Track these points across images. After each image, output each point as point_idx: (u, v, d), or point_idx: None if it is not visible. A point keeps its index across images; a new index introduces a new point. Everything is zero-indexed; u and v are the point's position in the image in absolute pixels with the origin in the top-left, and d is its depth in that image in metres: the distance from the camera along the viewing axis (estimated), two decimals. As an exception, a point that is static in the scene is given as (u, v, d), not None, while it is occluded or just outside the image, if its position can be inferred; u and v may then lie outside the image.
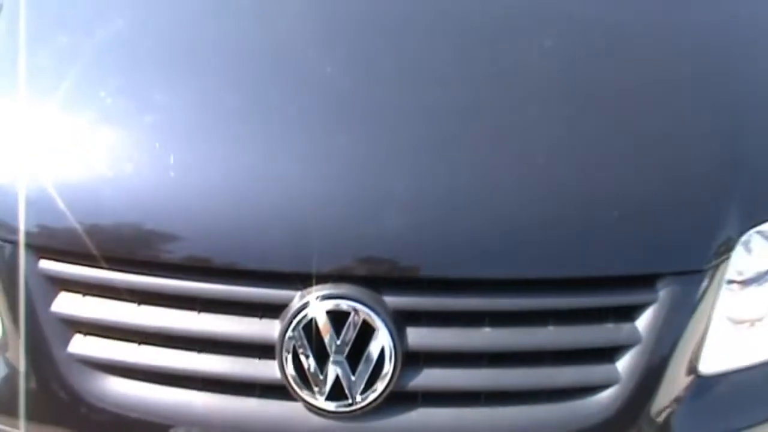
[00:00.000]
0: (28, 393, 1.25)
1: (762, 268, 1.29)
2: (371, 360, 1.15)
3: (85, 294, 1.23)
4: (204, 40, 1.46)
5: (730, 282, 1.26)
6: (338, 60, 1.38)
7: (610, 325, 1.21)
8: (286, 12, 1.46)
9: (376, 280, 1.17)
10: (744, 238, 1.26)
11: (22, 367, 1.24)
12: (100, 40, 1.46)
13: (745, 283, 1.28)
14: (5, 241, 1.24)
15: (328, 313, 1.15)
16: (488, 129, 1.32)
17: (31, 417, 1.26)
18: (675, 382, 1.23)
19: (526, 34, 1.48)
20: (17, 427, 1.27)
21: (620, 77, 1.42)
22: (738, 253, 1.26)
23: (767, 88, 1.47)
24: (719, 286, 1.25)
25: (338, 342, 1.15)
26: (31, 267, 1.22)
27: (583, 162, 1.29)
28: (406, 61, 1.41)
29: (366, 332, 1.15)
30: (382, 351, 1.15)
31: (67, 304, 1.23)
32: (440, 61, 1.42)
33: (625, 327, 1.21)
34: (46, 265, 1.23)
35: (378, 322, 1.15)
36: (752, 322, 1.29)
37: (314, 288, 1.16)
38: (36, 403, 1.26)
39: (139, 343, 1.22)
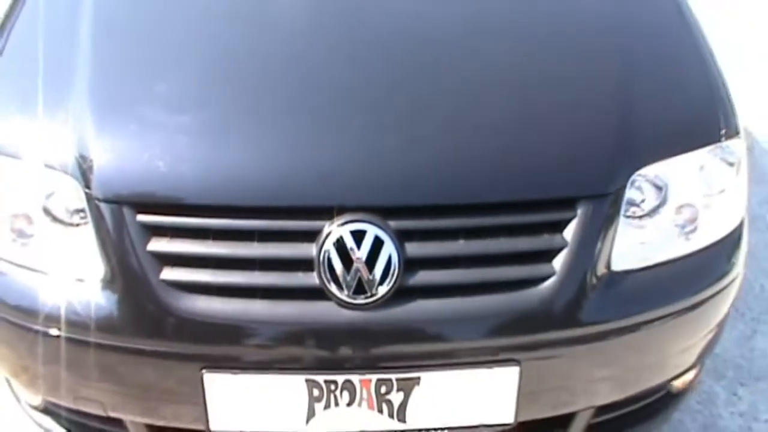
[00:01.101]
0: (131, 314, 1.71)
1: (651, 205, 1.83)
2: (382, 264, 1.65)
3: (171, 236, 1.71)
4: (243, 58, 2.01)
5: (629, 206, 1.80)
6: (346, 67, 1.95)
7: (546, 235, 1.73)
8: (294, 48, 2.01)
9: (381, 210, 1.68)
10: (632, 177, 1.80)
11: (125, 294, 1.71)
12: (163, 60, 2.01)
13: (638, 213, 1.82)
14: (109, 201, 1.71)
15: (351, 232, 1.65)
16: (444, 102, 1.88)
17: (133, 333, 1.71)
18: (594, 276, 1.75)
19: (461, 40, 2.06)
20: (123, 342, 1.72)
21: (532, 59, 2.02)
22: (630, 188, 1.80)
23: (651, 59, 2.06)
24: (620, 208, 1.78)
25: (358, 252, 1.64)
26: (131, 219, 1.70)
27: (515, 119, 1.86)
28: (385, 64, 1.99)
29: (377, 246, 1.65)
30: (390, 258, 1.64)
31: (158, 244, 1.70)
32: (407, 62, 2.00)
33: (556, 236, 1.73)
34: (143, 218, 1.70)
35: (385, 237, 1.65)
36: (646, 240, 1.83)
37: (339, 217, 1.66)
38: (137, 321, 1.71)
39: (214, 268, 1.69)
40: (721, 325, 2.02)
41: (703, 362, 2.12)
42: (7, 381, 2.17)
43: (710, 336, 2.00)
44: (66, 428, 2.02)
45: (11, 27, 2.12)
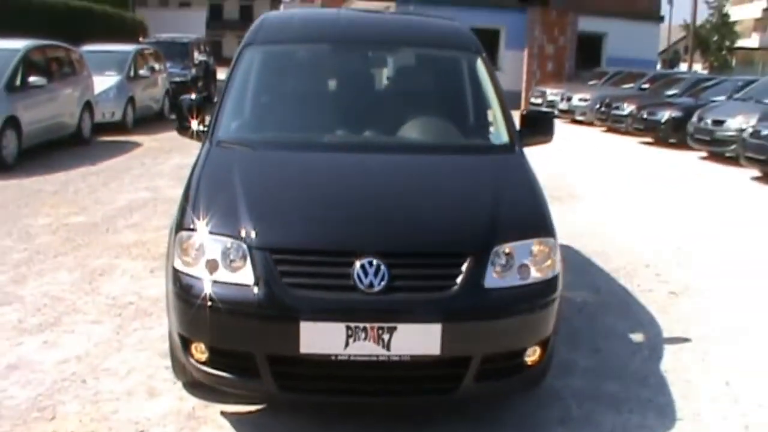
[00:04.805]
0: (268, 297, 3.80)
1: (503, 260, 3.98)
2: (380, 276, 3.78)
3: (288, 263, 3.84)
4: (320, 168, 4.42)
5: (494, 261, 3.94)
6: (358, 185, 4.42)
7: (453, 267, 3.89)
8: (340, 179, 4.47)
9: (380, 252, 3.83)
10: (494, 248, 3.96)
11: (266, 290, 3.81)
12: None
13: (498, 263, 3.96)
14: (259, 248, 3.87)
15: (367, 262, 3.79)
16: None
17: (268, 306, 3.81)
18: (474, 288, 3.88)
19: (406, 175, 4.56)
20: (262, 311, 3.81)
21: (447, 187, 4.42)
22: (494, 253, 3.95)
23: (508, 191, 4.38)
24: (488, 260, 3.93)
25: (370, 271, 3.78)
26: (269, 257, 3.83)
27: (440, 216, 4.14)
28: (372, 175, 4.48)
29: (378, 267, 3.79)
30: (383, 273, 3.78)
31: (282, 267, 3.82)
32: (380, 174, 4.51)
33: (457, 268, 3.88)
34: (275, 256, 3.83)
35: (382, 264, 3.79)
36: (501, 277, 3.97)
37: (361, 256, 3.80)
38: (271, 301, 3.79)
39: (307, 278, 3.83)
40: (549, 322, 4.10)
41: (548, 349, 4.16)
42: (172, 355, 4.25)
43: (544, 327, 4.07)
44: (221, 368, 4.01)
45: (200, 180, 4.37)
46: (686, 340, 5.78)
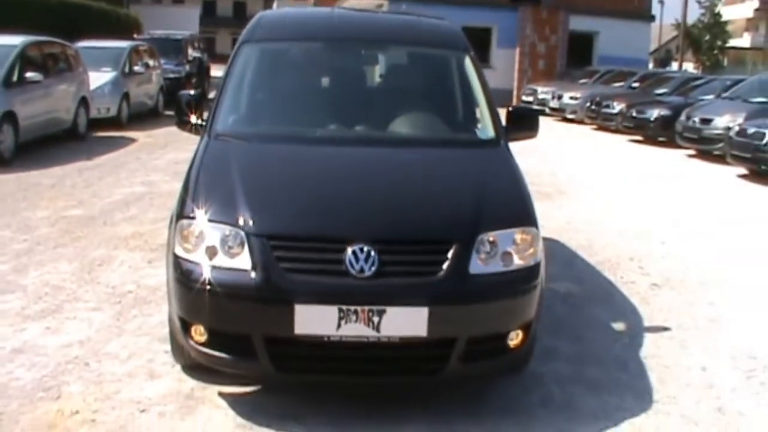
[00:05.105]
0: (265, 281, 4.01)
1: (488, 248, 4.20)
2: (371, 261, 3.99)
3: (284, 249, 4.05)
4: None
5: (478, 248, 4.16)
6: (353, 177, 4.62)
7: (440, 254, 4.10)
8: (336, 170, 4.70)
9: (371, 239, 4.05)
10: (479, 236, 4.18)
11: (263, 274, 4.02)
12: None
13: (482, 251, 4.18)
14: (257, 235, 4.07)
15: (359, 248, 4.00)
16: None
17: (265, 289, 4.02)
18: (459, 273, 4.10)
19: (399, 169, 4.78)
20: (260, 293, 4.02)
21: (439, 180, 4.61)
22: (478, 241, 4.17)
23: (494, 184, 4.62)
24: (473, 247, 4.15)
25: (361, 257, 3.99)
26: (266, 243, 4.04)
27: (431, 205, 4.35)
28: (363, 167, 4.73)
29: (368, 253, 4.01)
30: (374, 258, 4.00)
31: (278, 252, 4.03)
32: (371, 166, 4.75)
33: (444, 255, 4.10)
34: (272, 242, 4.04)
35: (372, 250, 4.01)
36: (485, 263, 4.18)
37: (353, 242, 4.02)
38: (268, 284, 4.00)
39: (302, 263, 4.04)
40: (531, 307, 4.32)
41: (530, 333, 4.38)
42: (171, 336, 4.47)
43: (526, 311, 4.29)
44: (219, 349, 4.22)
45: (199, 171, 4.58)
46: (666, 329, 6.01)
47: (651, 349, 5.55)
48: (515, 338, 4.33)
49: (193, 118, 5.39)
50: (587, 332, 5.83)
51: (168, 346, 4.90)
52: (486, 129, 5.45)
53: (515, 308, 4.30)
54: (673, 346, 5.66)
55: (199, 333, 4.23)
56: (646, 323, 6.12)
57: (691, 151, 17.41)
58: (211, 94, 5.15)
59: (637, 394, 4.83)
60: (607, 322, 6.11)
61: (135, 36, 27.70)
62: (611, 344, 5.63)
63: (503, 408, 4.57)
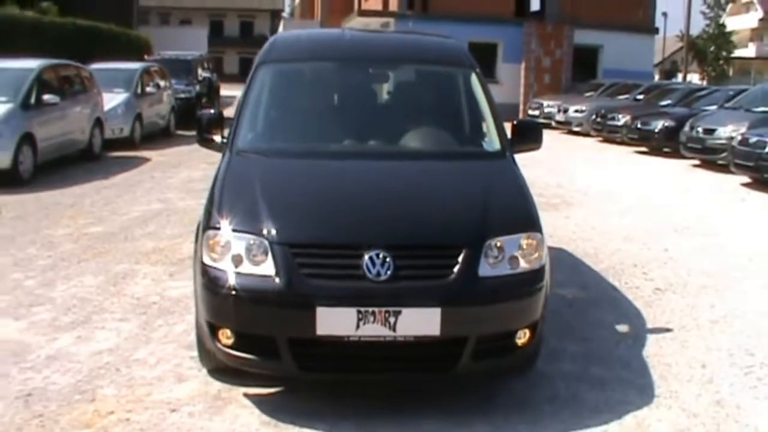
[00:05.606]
0: (287, 286, 4.30)
1: (495, 253, 4.49)
2: (387, 265, 4.28)
3: (305, 255, 4.34)
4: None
5: (487, 253, 4.45)
6: (365, 187, 4.94)
7: (452, 258, 4.40)
8: (348, 181, 5.02)
9: (387, 245, 4.34)
10: (488, 241, 4.46)
11: (285, 280, 4.31)
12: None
13: (491, 255, 4.47)
14: (279, 243, 4.36)
15: (375, 254, 4.29)
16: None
17: (287, 294, 4.31)
18: (470, 276, 4.39)
19: (404, 170, 5.16)
20: (282, 297, 4.31)
21: (446, 190, 4.93)
22: (486, 246, 4.46)
23: (500, 192, 4.94)
24: (481, 252, 4.44)
25: (378, 262, 4.28)
26: (288, 250, 4.34)
27: (441, 213, 4.66)
28: (377, 179, 5.06)
29: (384, 258, 4.29)
30: (389, 263, 4.29)
31: (300, 259, 4.33)
32: (384, 178, 5.09)
33: (455, 259, 4.38)
34: (294, 249, 4.34)
35: (388, 255, 4.30)
36: (493, 267, 4.47)
37: (370, 248, 4.31)
38: (289, 289, 4.29)
39: (322, 268, 4.35)
40: (537, 308, 4.60)
41: (537, 332, 4.66)
42: (198, 341, 4.76)
43: (532, 311, 4.57)
44: (246, 351, 4.50)
45: (223, 185, 4.88)
46: (668, 330, 6.27)
47: (653, 349, 5.80)
48: (523, 337, 4.61)
49: (215, 137, 5.70)
50: (592, 334, 6.10)
51: (194, 352, 5.20)
52: (492, 142, 5.75)
53: (522, 308, 4.58)
54: (675, 346, 5.91)
55: (226, 336, 4.51)
56: (649, 325, 6.38)
57: (696, 161, 17.66)
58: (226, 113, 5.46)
59: (639, 389, 5.09)
60: (611, 324, 6.37)
61: (145, 57, 28.10)
62: (615, 345, 5.90)
63: (510, 404, 4.83)
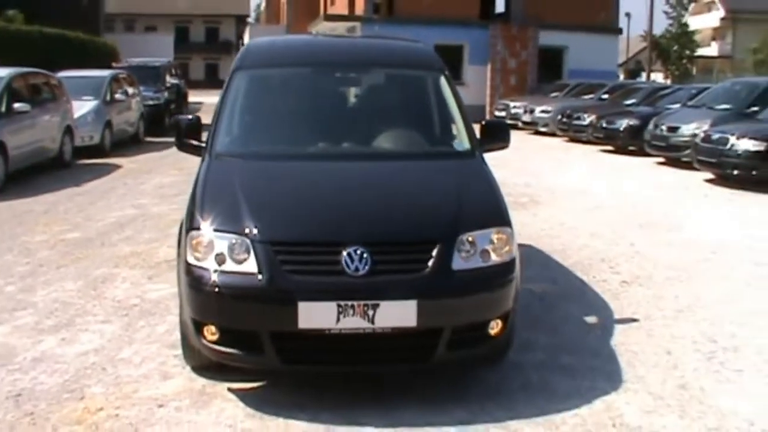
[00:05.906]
0: (270, 282, 4.47)
1: (467, 248, 4.69)
2: (365, 261, 4.47)
3: (286, 252, 4.52)
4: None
5: (459, 247, 4.65)
6: (345, 187, 5.11)
7: (425, 252, 4.60)
8: (328, 181, 5.18)
9: (365, 242, 4.53)
10: (460, 236, 4.67)
11: (269, 276, 4.48)
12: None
13: (463, 249, 4.67)
14: (261, 242, 4.54)
15: (353, 250, 4.48)
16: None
17: (270, 289, 4.49)
18: (442, 269, 4.59)
19: (378, 170, 5.37)
20: (265, 293, 4.48)
21: (419, 187, 5.16)
22: (459, 240, 4.66)
23: (471, 189, 5.15)
24: (454, 246, 4.64)
25: (356, 258, 4.47)
26: (270, 248, 4.52)
27: (415, 210, 4.86)
28: (353, 179, 5.24)
29: (362, 254, 4.48)
30: (367, 259, 4.48)
31: (281, 256, 4.50)
32: (360, 178, 5.26)
33: (428, 253, 4.59)
34: (275, 247, 4.52)
35: (366, 251, 4.48)
36: (466, 260, 4.67)
37: (349, 245, 4.50)
38: (272, 285, 4.47)
39: (303, 264, 4.53)
40: (509, 299, 4.81)
41: (508, 323, 4.87)
42: (183, 339, 4.93)
43: (504, 302, 4.78)
44: (230, 346, 4.67)
45: (204, 187, 5.05)
46: (635, 320, 6.51)
47: (621, 338, 6.04)
48: (495, 327, 4.81)
49: (193, 141, 5.86)
50: (562, 326, 6.33)
51: (177, 351, 5.36)
52: (462, 141, 5.96)
53: (494, 300, 4.79)
54: (641, 335, 6.15)
55: (210, 332, 4.68)
56: (617, 316, 6.62)
57: (660, 159, 18.02)
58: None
59: (608, 376, 5.32)
60: (580, 316, 6.61)
61: (113, 64, 28.08)
62: (584, 335, 6.13)
63: (485, 393, 5.03)
